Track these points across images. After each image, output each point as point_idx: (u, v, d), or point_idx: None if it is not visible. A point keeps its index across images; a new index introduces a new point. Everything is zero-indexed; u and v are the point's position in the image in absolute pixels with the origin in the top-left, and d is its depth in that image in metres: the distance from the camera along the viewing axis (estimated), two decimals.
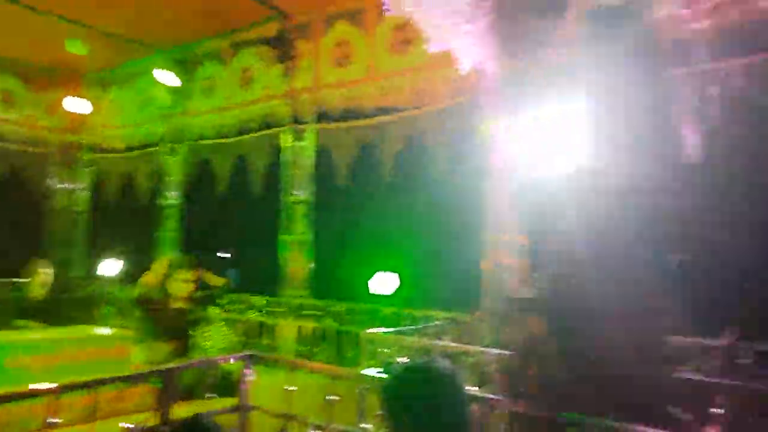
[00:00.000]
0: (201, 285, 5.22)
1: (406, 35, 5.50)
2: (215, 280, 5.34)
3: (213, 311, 6.47)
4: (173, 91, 7.41)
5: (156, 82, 7.28)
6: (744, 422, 2.91)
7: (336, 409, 2.67)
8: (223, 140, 7.16)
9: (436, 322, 4.40)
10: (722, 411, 2.47)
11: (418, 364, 2.36)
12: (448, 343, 3.66)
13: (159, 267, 5.26)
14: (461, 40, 4.19)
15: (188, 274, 5.10)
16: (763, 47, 3.90)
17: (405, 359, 3.29)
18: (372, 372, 3.08)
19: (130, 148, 8.33)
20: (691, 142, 4.12)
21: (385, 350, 3.51)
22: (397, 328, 4.03)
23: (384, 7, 3.85)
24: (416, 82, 5.46)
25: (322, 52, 6.19)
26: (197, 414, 2.04)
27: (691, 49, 4.02)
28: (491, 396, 2.38)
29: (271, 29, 6.39)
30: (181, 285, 5.06)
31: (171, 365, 3.25)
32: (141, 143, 8.18)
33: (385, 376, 2.61)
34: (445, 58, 5.02)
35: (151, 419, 2.65)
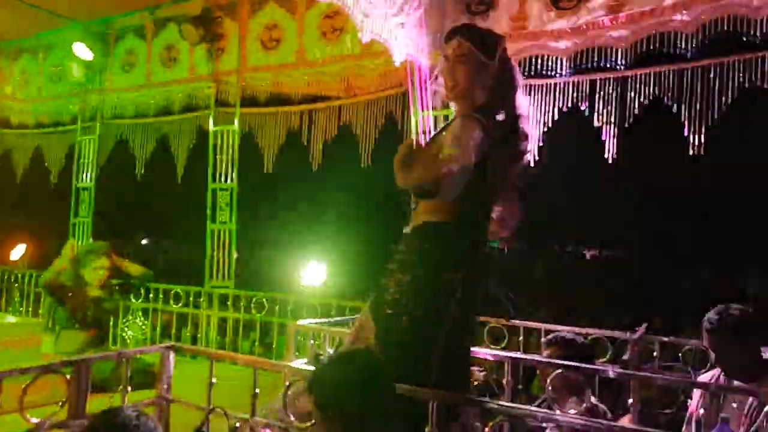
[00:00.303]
0: (118, 273, 5.00)
1: (337, 23, 5.46)
2: (134, 269, 5.14)
3: (134, 301, 6.26)
4: (90, 65, 7.01)
5: (72, 56, 6.87)
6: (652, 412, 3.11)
7: (260, 401, 2.65)
8: (143, 120, 6.87)
9: None
10: (632, 401, 2.61)
11: (345, 354, 2.37)
12: None
13: (66, 251, 5.01)
14: (392, 32, 4.20)
15: (102, 261, 4.88)
16: (673, 59, 4.14)
17: (333, 350, 3.29)
18: (299, 363, 3.07)
19: (40, 125, 7.83)
20: (607, 143, 4.33)
21: (313, 341, 3.50)
22: (326, 319, 4.03)
23: None
24: (346, 71, 5.43)
25: (250, 34, 6.02)
26: (111, 408, 1.96)
27: (611, 55, 4.22)
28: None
29: (196, 7, 6.16)
30: (96, 272, 4.84)
31: (84, 356, 3.11)
32: (53, 120, 7.72)
33: (312, 367, 2.62)
34: (377, 49, 5.05)
35: (61, 413, 2.53)
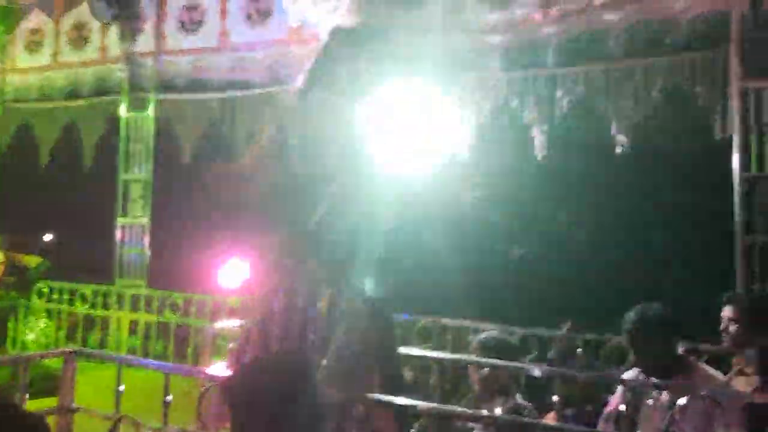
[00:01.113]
0: (14, 269, 4.56)
1: (262, 6, 5.22)
2: (28, 260, 4.69)
3: (35, 301, 5.78)
4: None
5: None
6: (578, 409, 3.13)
7: (173, 409, 2.45)
8: (48, 103, 6.37)
9: None
10: (556, 398, 2.60)
11: (266, 358, 2.21)
12: None
13: None
14: (322, 18, 4.04)
15: None
16: (601, 56, 4.20)
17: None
18: (218, 368, 2.87)
19: None
20: (537, 141, 4.35)
21: (233, 344, 3.29)
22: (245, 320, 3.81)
23: None
24: (273, 56, 5.21)
25: (168, 14, 5.70)
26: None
27: (542, 52, 4.24)
28: None
29: None
30: None
31: None
32: None
33: (230, 372, 2.44)
34: (306, 35, 4.86)
35: None
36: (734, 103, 3.71)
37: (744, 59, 3.72)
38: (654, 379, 2.76)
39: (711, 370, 2.80)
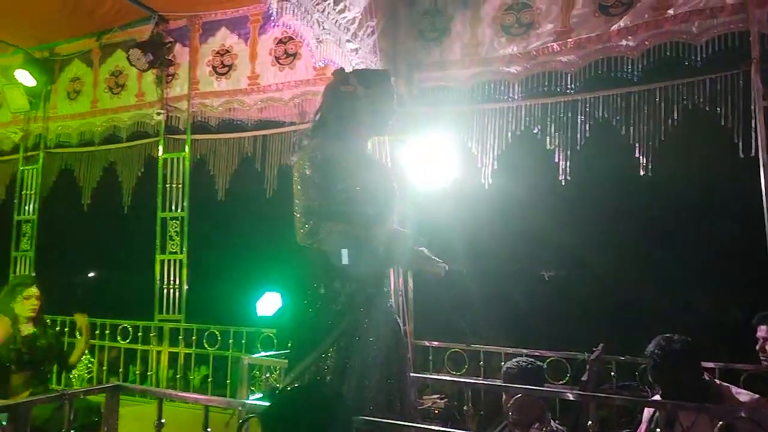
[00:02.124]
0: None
1: (290, 48, 5.43)
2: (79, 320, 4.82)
3: (79, 338, 5.94)
4: (33, 93, 6.76)
5: (14, 83, 6.62)
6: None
7: None
8: (88, 148, 6.65)
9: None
10: (591, 422, 2.59)
11: (301, 388, 2.28)
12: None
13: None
14: (346, 58, 4.19)
15: (32, 290, 4.56)
16: (620, 81, 4.25)
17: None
18: (254, 399, 2.94)
19: None
20: (561, 165, 4.40)
21: (269, 375, 3.38)
22: (282, 351, 3.90)
23: (270, 19, 3.76)
24: (300, 96, 5.38)
25: (201, 59, 5.94)
26: None
27: (561, 79, 4.31)
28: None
29: (145, 32, 6.04)
30: (27, 302, 4.51)
31: (20, 399, 2.90)
32: None
33: (267, 403, 2.51)
34: (330, 73, 5.02)
35: None
36: (758, 122, 3.72)
37: (765, 78, 3.74)
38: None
39: (743, 392, 2.78)
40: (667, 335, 2.83)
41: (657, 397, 3.01)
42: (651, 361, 2.80)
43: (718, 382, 2.89)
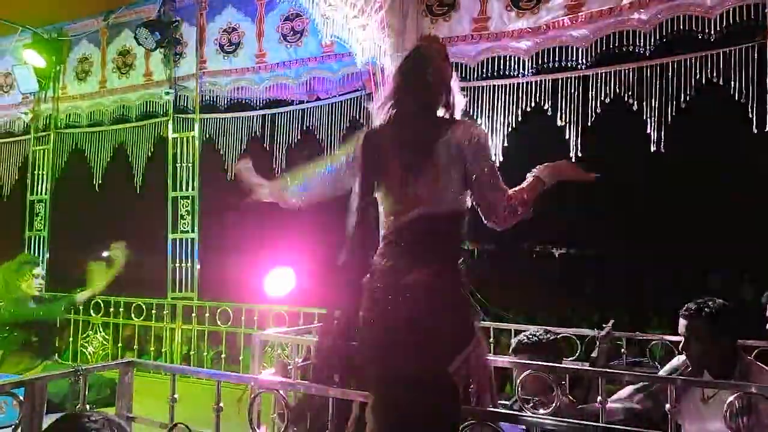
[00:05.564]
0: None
1: (296, 25, 5.38)
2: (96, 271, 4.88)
3: (94, 316, 6.04)
4: (42, 73, 6.77)
5: (23, 64, 6.64)
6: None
7: (226, 416, 2.56)
8: (98, 128, 6.68)
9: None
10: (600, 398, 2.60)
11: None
12: None
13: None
14: (354, 34, 4.15)
15: (38, 270, 4.66)
16: (632, 55, 4.19)
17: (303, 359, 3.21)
18: (266, 375, 2.98)
19: None
20: (571, 142, 4.36)
21: (281, 351, 3.41)
22: (294, 328, 3.93)
23: None
24: (307, 73, 5.36)
25: (208, 38, 5.92)
26: (69, 413, 1.81)
27: (572, 54, 4.25)
28: None
29: (152, 11, 6.01)
30: (33, 280, 4.61)
31: (34, 375, 2.95)
32: (5, 130, 7.45)
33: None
34: (338, 52, 5.00)
35: None
36: None
37: None
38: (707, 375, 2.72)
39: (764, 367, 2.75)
40: (707, 297, 2.79)
41: (672, 363, 2.98)
42: (683, 312, 2.75)
43: (747, 358, 2.84)
